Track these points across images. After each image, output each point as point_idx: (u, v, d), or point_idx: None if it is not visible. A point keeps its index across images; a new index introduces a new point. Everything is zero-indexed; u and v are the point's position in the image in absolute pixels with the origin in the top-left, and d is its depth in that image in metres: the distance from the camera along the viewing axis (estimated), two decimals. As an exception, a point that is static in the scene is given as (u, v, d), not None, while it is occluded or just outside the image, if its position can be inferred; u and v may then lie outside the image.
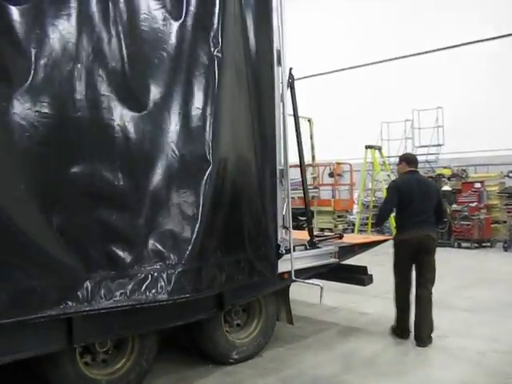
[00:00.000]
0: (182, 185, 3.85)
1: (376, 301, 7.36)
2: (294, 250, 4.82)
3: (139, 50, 3.75)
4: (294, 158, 5.03)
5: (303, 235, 5.76)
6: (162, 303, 3.67)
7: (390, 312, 6.61)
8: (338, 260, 5.47)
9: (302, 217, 13.89)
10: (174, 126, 3.86)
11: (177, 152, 3.83)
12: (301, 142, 5.45)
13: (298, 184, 15.52)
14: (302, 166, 5.46)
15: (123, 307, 3.51)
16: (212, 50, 4.03)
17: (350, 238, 6.25)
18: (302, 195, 5.19)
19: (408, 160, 5.59)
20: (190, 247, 3.79)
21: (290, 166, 4.82)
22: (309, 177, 14.99)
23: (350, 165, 15.14)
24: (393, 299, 5.62)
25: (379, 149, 12.79)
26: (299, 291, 7.09)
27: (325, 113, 18.12)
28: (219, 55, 4.05)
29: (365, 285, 6.03)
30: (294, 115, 5.36)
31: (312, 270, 5.29)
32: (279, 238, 4.69)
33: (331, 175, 14.90)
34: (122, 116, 3.62)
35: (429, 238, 5.35)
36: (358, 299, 7.44)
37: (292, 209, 4.68)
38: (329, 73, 19.67)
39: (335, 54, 19.27)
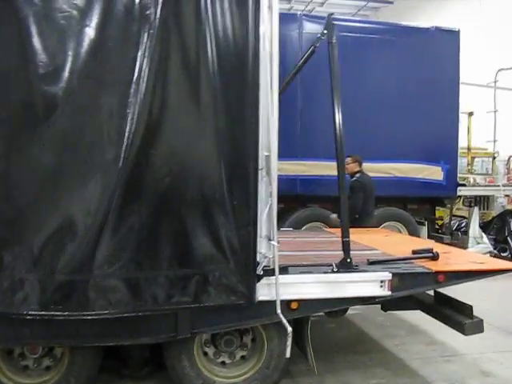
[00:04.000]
0: (78, 179, 3.06)
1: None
2: (286, 272, 3.48)
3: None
4: None
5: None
6: (29, 317, 3.00)
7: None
8: (390, 293, 3.71)
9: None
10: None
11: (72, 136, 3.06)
12: (339, 121, 3.89)
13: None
14: (338, 152, 3.92)
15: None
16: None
17: (451, 262, 4.21)
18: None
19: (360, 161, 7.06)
20: (74, 255, 3.01)
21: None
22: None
23: None
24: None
25: None
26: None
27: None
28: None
29: (465, 333, 4.03)
30: (332, 84, 3.84)
31: (338, 302, 3.72)
32: (261, 252, 3.39)
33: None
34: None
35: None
36: (505, 345, 5.16)
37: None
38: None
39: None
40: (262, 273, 3.36)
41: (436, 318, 4.44)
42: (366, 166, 8.43)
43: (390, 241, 5.44)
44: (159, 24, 3.10)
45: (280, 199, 8.17)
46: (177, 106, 3.19)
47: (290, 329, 3.26)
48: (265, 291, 3.46)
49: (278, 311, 3.37)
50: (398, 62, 8.49)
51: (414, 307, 4.71)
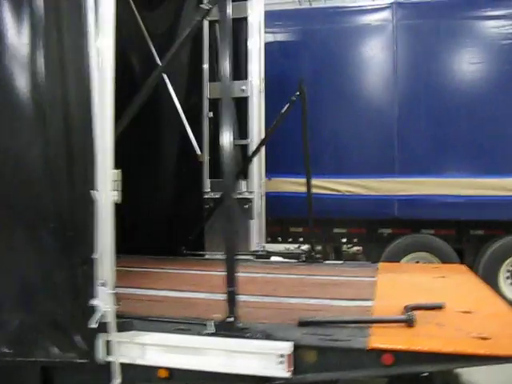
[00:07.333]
0: None
1: None
2: (132, 327, 2.62)
3: None
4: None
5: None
6: None
7: None
8: (289, 375, 2.49)
9: None
10: None
11: None
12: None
13: None
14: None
15: None
16: None
17: (435, 333, 2.69)
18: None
19: None
20: None
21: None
22: None
23: None
24: None
25: None
26: None
27: None
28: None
29: None
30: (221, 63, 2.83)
31: (221, 377, 2.61)
32: (97, 299, 2.60)
33: None
34: None
35: None
36: None
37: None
38: None
39: None
40: (94, 326, 2.57)
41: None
42: (486, 181, 6.57)
43: (427, 287, 3.92)
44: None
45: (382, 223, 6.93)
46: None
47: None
48: (124, 350, 2.66)
49: (117, 381, 2.53)
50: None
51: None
